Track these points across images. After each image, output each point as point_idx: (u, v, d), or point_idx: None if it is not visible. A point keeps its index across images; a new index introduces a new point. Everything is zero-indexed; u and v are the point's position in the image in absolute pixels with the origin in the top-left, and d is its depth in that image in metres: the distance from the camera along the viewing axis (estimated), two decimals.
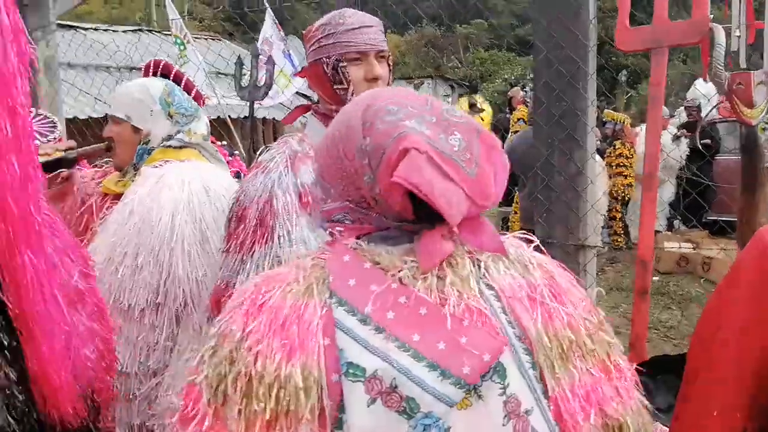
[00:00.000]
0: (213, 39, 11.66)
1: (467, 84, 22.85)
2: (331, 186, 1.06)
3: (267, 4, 6.77)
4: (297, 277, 0.99)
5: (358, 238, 1.03)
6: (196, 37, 7.30)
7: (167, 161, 2.10)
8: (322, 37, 1.73)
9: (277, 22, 6.80)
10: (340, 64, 1.71)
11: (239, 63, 3.09)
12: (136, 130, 2.13)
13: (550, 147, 2.75)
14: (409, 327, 0.92)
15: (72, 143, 2.24)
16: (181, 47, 6.43)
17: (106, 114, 2.41)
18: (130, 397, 1.97)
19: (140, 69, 6.89)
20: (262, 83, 3.05)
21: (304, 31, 1.84)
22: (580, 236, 2.74)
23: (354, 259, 0.99)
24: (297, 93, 7.31)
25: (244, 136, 7.05)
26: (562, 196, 2.75)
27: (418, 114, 1.00)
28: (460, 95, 22.92)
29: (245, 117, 7.19)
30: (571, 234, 2.75)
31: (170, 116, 2.16)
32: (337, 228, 1.04)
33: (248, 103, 3.20)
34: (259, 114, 7.51)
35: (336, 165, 1.03)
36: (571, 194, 2.73)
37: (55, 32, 3.93)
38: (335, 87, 1.73)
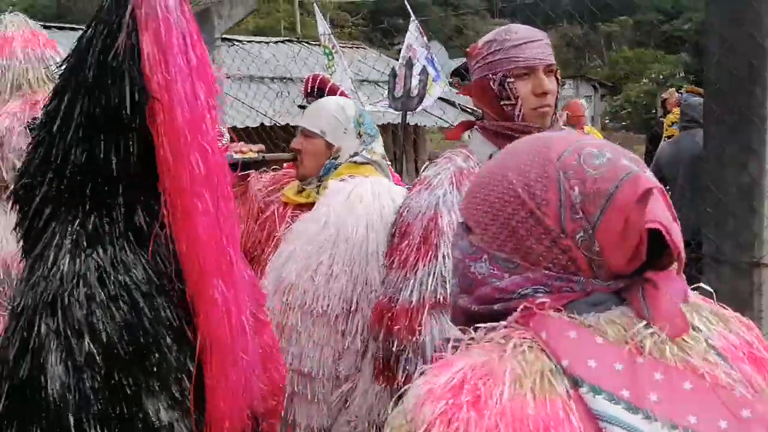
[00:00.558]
0: (356, 47, 11.95)
1: (611, 84, 22.02)
2: (513, 257, 0.90)
3: (411, 12, 6.85)
4: (514, 366, 0.81)
5: (558, 309, 0.86)
6: (342, 46, 7.51)
7: (352, 176, 2.20)
8: (488, 54, 1.72)
9: (421, 29, 6.85)
10: (507, 80, 1.68)
11: (392, 73, 3.14)
12: (329, 145, 2.24)
13: (722, 157, 2.58)
14: (681, 408, 0.78)
15: (262, 147, 2.36)
16: (330, 57, 6.64)
17: (261, 123, 2.53)
18: (315, 399, 2.04)
19: (290, 79, 7.16)
20: (415, 93, 3.08)
21: (468, 49, 1.83)
22: (755, 253, 2.55)
23: (582, 335, 0.83)
24: (439, 98, 7.37)
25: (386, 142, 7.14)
26: (734, 210, 2.57)
27: (616, 150, 0.90)
28: (603, 96, 22.18)
29: (388, 124, 7.30)
30: (744, 251, 2.57)
31: (359, 135, 2.28)
32: (539, 300, 0.86)
33: (399, 112, 3.23)
34: (394, 119, 7.59)
35: (522, 230, 0.88)
36: (745, 207, 2.55)
37: (220, 47, 4.16)
38: (503, 103, 1.71)
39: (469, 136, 1.93)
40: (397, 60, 10.27)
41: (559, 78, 1.76)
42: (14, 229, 1.32)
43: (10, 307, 1.23)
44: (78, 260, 1.19)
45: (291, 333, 2.04)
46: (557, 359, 0.81)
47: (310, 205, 2.22)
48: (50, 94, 1.31)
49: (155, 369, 1.19)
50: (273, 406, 1.49)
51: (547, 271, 0.88)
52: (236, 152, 2.20)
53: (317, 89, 2.84)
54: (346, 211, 2.06)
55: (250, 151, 2.25)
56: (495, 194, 0.91)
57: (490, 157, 1.71)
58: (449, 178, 1.70)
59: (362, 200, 2.08)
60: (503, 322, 0.87)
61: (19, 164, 2.07)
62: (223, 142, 3.01)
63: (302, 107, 3.11)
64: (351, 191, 2.12)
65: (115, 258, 1.20)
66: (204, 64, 1.26)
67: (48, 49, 2.29)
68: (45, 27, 9.08)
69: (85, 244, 1.20)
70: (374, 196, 2.10)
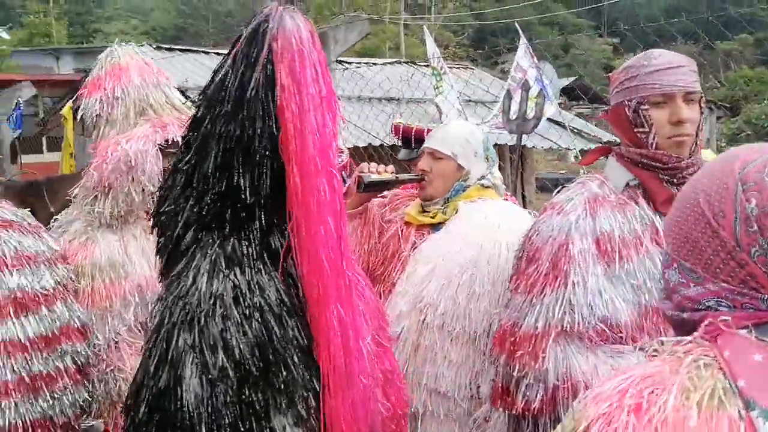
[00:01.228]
0: (464, 68, 11.97)
1: (727, 106, 21.00)
2: (695, 267, 0.89)
3: (521, 34, 6.80)
4: (684, 380, 0.80)
5: (745, 327, 0.83)
6: (450, 67, 7.53)
7: (481, 198, 2.23)
8: (625, 80, 1.67)
9: (530, 49, 6.78)
10: (642, 107, 1.63)
11: (507, 95, 3.11)
12: (459, 167, 2.26)
13: None
14: None
15: (392, 168, 2.39)
16: (438, 78, 6.68)
17: (370, 143, 2.55)
18: (448, 419, 2.03)
19: (398, 99, 7.24)
20: (531, 115, 3.04)
21: (611, 75, 1.78)
22: None
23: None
24: (549, 120, 7.25)
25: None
26: None
27: None
28: (718, 118, 21.18)
29: (495, 145, 7.22)
30: None
31: (487, 159, 2.31)
32: (722, 317, 0.83)
33: (513, 134, 3.20)
34: (501, 140, 7.51)
35: (702, 241, 0.88)
36: None
37: (335, 70, 4.26)
38: (636, 130, 1.66)
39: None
40: (501, 80, 10.23)
41: (703, 106, 1.68)
42: (156, 253, 1.38)
43: (149, 324, 1.30)
44: (216, 281, 1.24)
45: (427, 353, 2.04)
46: (734, 379, 0.78)
47: (435, 226, 2.24)
48: (188, 123, 1.37)
49: (283, 386, 1.23)
50: (393, 431, 1.49)
51: (726, 285, 0.86)
52: (372, 172, 2.24)
53: (405, 139, 2.91)
54: (486, 231, 2.07)
55: (385, 171, 2.28)
56: (683, 204, 0.92)
57: (627, 185, 1.66)
58: (583, 204, 1.66)
59: (501, 222, 2.08)
60: (688, 338, 0.86)
61: (150, 186, 2.18)
62: (342, 159, 3.08)
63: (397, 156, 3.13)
64: (488, 213, 2.13)
65: (251, 280, 1.26)
66: (331, 92, 1.31)
67: (161, 76, 2.39)
68: (162, 49, 9.57)
69: (223, 265, 1.26)
70: (510, 218, 2.10)
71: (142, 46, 7.97)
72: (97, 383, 2.08)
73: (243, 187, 1.26)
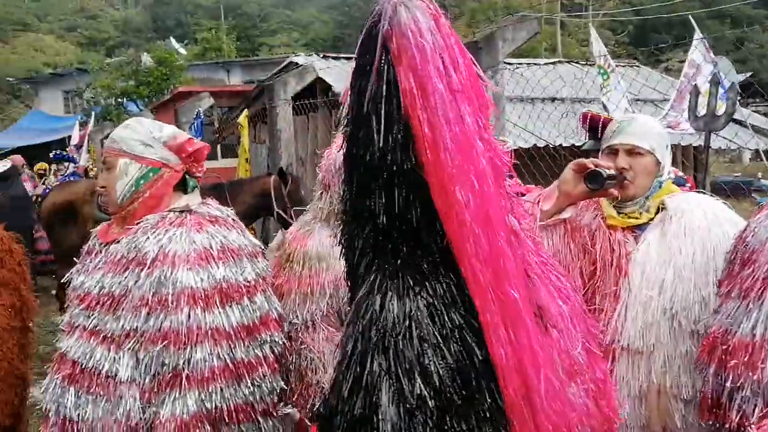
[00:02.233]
0: (630, 65, 11.50)
1: None
2: None
3: (696, 27, 6.42)
4: None
5: None
6: (618, 65, 7.27)
7: (678, 193, 2.15)
8: None
9: (706, 43, 6.39)
10: None
11: (695, 91, 2.96)
12: (657, 162, 2.17)
13: None
14: None
15: (611, 164, 2.29)
16: (605, 76, 6.46)
17: (534, 145, 2.48)
18: (687, 423, 1.93)
19: (561, 100, 7.09)
20: (721, 112, 2.88)
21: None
22: None
23: None
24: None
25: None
26: None
27: None
28: None
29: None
30: None
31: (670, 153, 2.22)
32: None
33: (702, 133, 3.03)
34: (673, 139, 7.12)
35: None
36: None
37: (503, 70, 4.25)
38: None
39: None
40: (665, 77, 9.69)
41: None
42: (347, 279, 1.34)
43: (341, 340, 1.24)
44: (407, 301, 1.16)
45: (684, 361, 1.91)
46: None
47: (639, 226, 2.12)
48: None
49: (488, 414, 1.13)
50: None
51: None
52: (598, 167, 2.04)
53: (592, 128, 2.79)
54: (713, 227, 1.98)
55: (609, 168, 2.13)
56: None
57: None
58: None
59: (722, 215, 2.00)
60: None
61: None
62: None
63: (581, 148, 3.01)
64: (704, 207, 2.03)
65: (443, 297, 1.17)
66: (472, 81, 1.15)
67: None
68: (329, 58, 9.93)
69: (411, 283, 1.17)
70: (725, 210, 2.01)
71: (310, 55, 8.32)
72: (288, 356, 2.20)
73: (377, 211, 1.16)
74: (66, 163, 12.09)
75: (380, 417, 1.10)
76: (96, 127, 16.77)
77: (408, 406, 1.09)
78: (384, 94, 1.11)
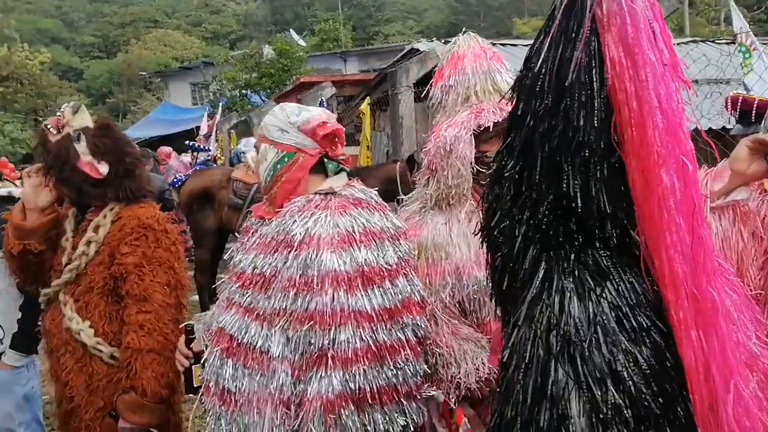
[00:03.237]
0: None
1: None
2: None
3: None
4: None
5: None
6: (763, 43, 6.82)
7: None
8: None
9: None
10: None
11: None
12: None
13: None
14: None
15: None
16: (746, 55, 6.09)
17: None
18: None
19: (696, 81, 6.67)
20: None
21: None
22: None
23: None
24: None
25: None
26: None
27: None
28: None
29: None
30: None
31: None
32: None
33: None
34: None
35: None
36: None
37: None
38: None
39: None
40: None
41: None
42: (493, 272, 1.27)
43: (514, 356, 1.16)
44: (589, 303, 1.08)
45: None
46: None
47: None
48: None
49: (685, 422, 1.06)
50: None
51: None
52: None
53: (743, 112, 2.59)
54: None
55: None
56: None
57: None
58: None
59: None
60: None
61: (464, 171, 2.19)
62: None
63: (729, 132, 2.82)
64: None
65: (627, 297, 1.08)
66: (675, 56, 1.05)
67: (493, 62, 2.37)
68: (446, 43, 9.90)
69: (591, 283, 1.09)
70: None
71: (431, 41, 8.26)
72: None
73: (572, 193, 1.06)
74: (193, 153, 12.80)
75: (570, 429, 1.04)
76: (223, 117, 17.56)
77: (601, 416, 1.03)
78: (588, 64, 1.03)
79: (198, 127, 17.50)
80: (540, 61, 1.08)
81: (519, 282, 1.17)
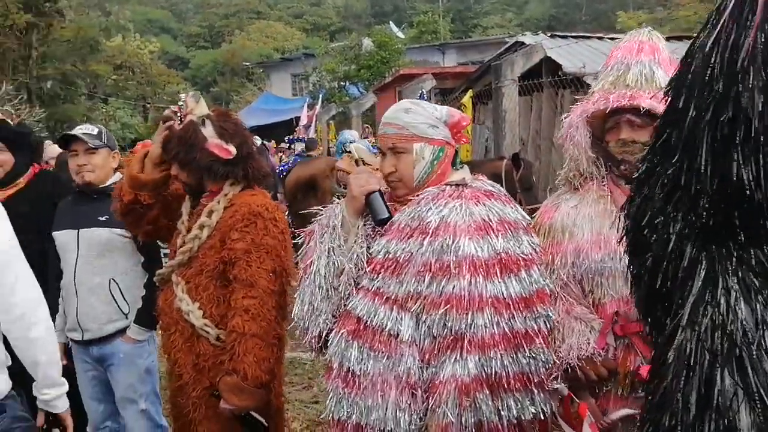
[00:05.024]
0: None
1: None
2: None
3: None
4: None
5: None
6: None
7: None
8: None
9: None
10: None
11: None
12: None
13: None
14: None
15: None
16: None
17: None
18: None
19: None
20: None
21: None
22: None
23: None
24: None
25: None
26: None
27: None
28: None
29: None
30: None
31: None
32: None
33: None
34: None
35: None
36: None
37: None
38: None
39: None
40: None
41: None
42: (650, 273, 1.20)
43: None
44: (756, 304, 1.02)
45: None
46: None
47: None
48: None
49: None
50: None
51: None
52: None
53: None
54: None
55: None
56: None
57: None
58: None
59: None
60: None
61: (577, 154, 2.18)
62: None
63: None
64: None
65: None
66: None
67: (652, 55, 2.23)
68: (556, 37, 9.65)
69: (756, 284, 1.03)
70: None
71: (536, 34, 8.18)
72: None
73: (746, 180, 1.01)
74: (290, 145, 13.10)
75: None
76: (322, 108, 17.87)
77: None
78: (764, 48, 1.00)
79: (297, 118, 17.89)
80: (708, 50, 1.06)
81: (673, 282, 1.13)
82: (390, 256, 1.97)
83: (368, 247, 2.05)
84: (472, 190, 2.02)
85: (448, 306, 1.86)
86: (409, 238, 1.96)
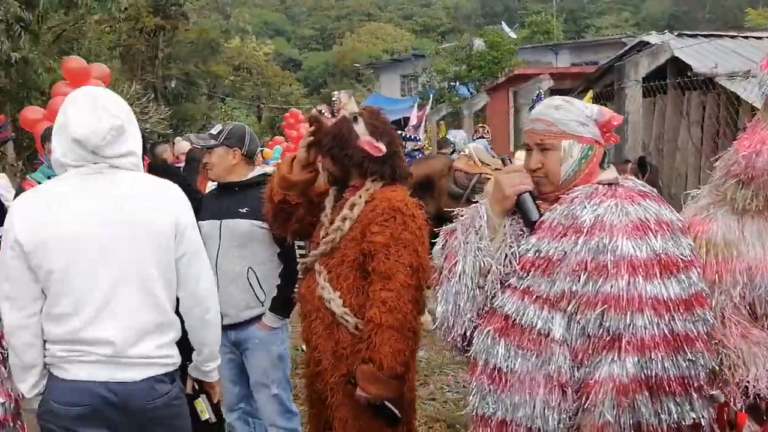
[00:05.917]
0: None
1: None
2: None
3: None
4: None
5: None
6: None
7: None
8: None
9: None
10: None
11: None
12: None
13: None
14: None
15: None
16: None
17: None
18: None
19: None
20: None
21: None
22: None
23: None
24: None
25: None
26: None
27: None
28: None
29: None
30: None
31: None
32: None
33: None
34: None
35: None
36: None
37: None
38: None
39: None
40: None
41: None
42: None
43: None
44: None
45: None
46: None
47: None
48: None
49: None
50: None
51: None
52: None
53: None
54: None
55: None
56: None
57: None
58: None
59: None
60: None
61: None
62: None
63: None
64: None
65: None
66: None
67: None
68: (684, 36, 9.24)
69: None
70: None
71: (662, 34, 7.88)
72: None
73: None
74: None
75: None
76: (432, 109, 17.93)
77: None
78: None
79: (406, 118, 17.99)
80: None
81: None
82: (541, 254, 1.96)
83: (518, 246, 2.03)
84: (626, 190, 1.98)
85: (605, 306, 1.84)
86: (562, 237, 1.94)
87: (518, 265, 2.01)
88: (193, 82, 28.42)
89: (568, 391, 1.90)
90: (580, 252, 1.89)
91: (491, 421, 2.02)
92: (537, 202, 2.06)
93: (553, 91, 11.97)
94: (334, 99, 2.81)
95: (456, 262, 2.10)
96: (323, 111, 2.82)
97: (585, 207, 1.95)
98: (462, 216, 2.16)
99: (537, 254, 1.97)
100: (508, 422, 1.97)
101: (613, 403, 1.82)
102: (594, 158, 2.04)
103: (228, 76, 34.22)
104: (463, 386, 4.94)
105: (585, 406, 1.87)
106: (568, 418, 1.91)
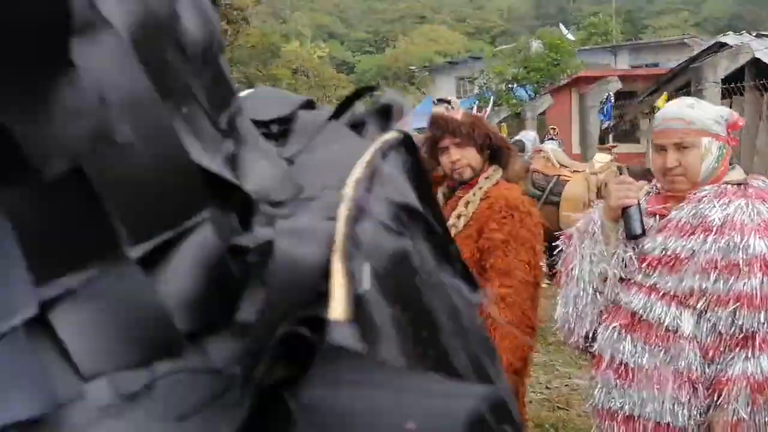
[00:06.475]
0: None
1: None
2: None
3: None
4: None
5: None
6: None
7: None
8: None
9: None
10: None
11: None
12: None
13: None
14: None
15: None
16: None
17: None
18: None
19: None
20: None
21: None
22: None
23: None
24: None
25: None
26: None
27: None
28: None
29: None
30: None
31: None
32: None
33: None
34: None
35: None
36: None
37: None
38: None
39: None
40: None
41: None
42: None
43: None
44: None
45: None
46: None
47: None
48: None
49: None
50: None
51: None
52: None
53: None
54: None
55: None
56: None
57: None
58: None
59: None
60: None
61: None
62: None
63: None
64: None
65: None
66: None
67: None
68: (759, 36, 9.03)
69: None
70: None
71: (740, 34, 7.73)
72: None
73: None
74: None
75: None
76: (492, 111, 17.88)
77: None
78: None
79: None
80: None
81: None
82: (668, 252, 1.99)
83: (634, 248, 2.07)
84: (756, 190, 2.00)
85: (738, 304, 1.86)
86: (690, 236, 1.97)
87: (644, 263, 2.04)
88: (253, 85, 28.92)
89: (699, 387, 1.92)
90: (709, 250, 1.92)
91: (617, 416, 2.05)
92: (660, 206, 2.09)
93: (620, 93, 11.86)
94: (450, 106, 2.89)
95: (573, 267, 2.16)
96: (451, 105, 2.90)
97: (714, 206, 1.97)
98: (578, 222, 2.22)
99: (663, 252, 2.00)
100: (636, 417, 2.01)
101: (748, 400, 1.84)
102: (727, 157, 2.08)
103: (287, 78, 34.75)
104: (546, 387, 4.96)
105: (717, 403, 1.89)
106: (698, 415, 1.93)
